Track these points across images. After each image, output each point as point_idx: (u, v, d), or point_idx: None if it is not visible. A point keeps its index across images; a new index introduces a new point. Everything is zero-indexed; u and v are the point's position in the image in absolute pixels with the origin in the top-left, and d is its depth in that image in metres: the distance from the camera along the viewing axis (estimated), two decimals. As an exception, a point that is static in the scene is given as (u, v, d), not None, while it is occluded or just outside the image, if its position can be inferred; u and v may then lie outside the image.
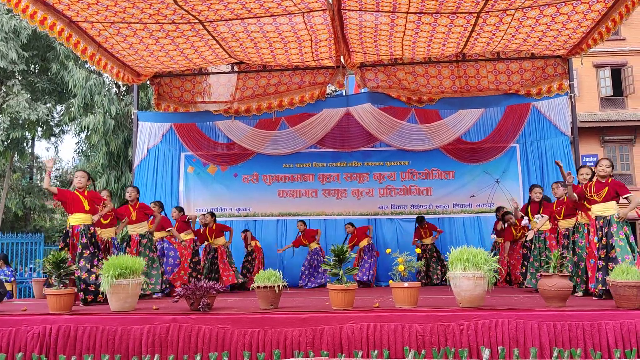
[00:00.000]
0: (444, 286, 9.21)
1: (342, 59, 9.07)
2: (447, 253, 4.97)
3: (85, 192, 6.41)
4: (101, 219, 6.92)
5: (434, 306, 4.90)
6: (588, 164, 19.27)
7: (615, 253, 5.53)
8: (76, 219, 6.26)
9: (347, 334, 4.36)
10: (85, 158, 20.00)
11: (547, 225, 7.27)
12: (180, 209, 9.12)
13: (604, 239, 5.71)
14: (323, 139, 10.87)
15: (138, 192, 7.75)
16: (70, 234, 6.26)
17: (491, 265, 4.73)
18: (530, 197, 7.61)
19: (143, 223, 7.56)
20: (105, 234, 7.17)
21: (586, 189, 5.98)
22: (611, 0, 7.18)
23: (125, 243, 7.68)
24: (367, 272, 9.92)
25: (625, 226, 5.69)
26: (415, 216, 10.47)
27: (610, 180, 5.84)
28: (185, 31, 7.72)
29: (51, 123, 19.50)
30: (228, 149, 11.04)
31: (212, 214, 9.33)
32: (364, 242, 10.14)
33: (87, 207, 6.30)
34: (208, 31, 7.73)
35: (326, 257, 5.23)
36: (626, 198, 5.73)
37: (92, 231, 6.32)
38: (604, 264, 5.62)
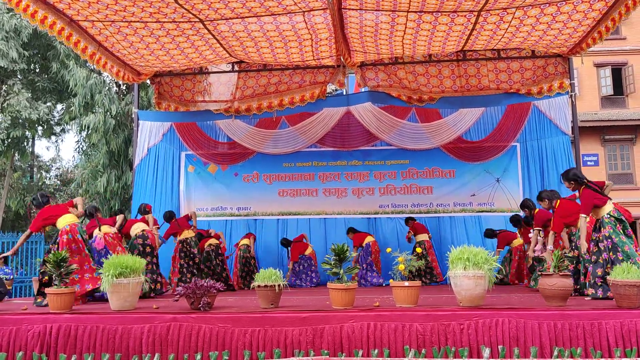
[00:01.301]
0: (436, 285, 9.25)
1: (342, 58, 9.06)
2: (448, 252, 4.97)
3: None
4: None
5: (434, 305, 4.90)
6: (588, 163, 19.18)
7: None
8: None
9: (347, 333, 4.36)
10: (86, 157, 19.99)
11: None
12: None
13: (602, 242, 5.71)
14: (323, 138, 10.86)
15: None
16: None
17: (491, 264, 4.73)
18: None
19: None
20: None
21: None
22: (612, -1, 7.19)
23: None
24: (377, 274, 9.79)
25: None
26: (415, 215, 10.45)
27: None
28: (185, 30, 7.71)
29: (51, 122, 19.51)
30: (228, 148, 11.03)
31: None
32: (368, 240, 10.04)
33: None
34: (208, 30, 7.73)
35: (327, 256, 5.23)
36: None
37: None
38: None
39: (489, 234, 9.57)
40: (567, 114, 10.05)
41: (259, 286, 5.02)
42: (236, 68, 10.38)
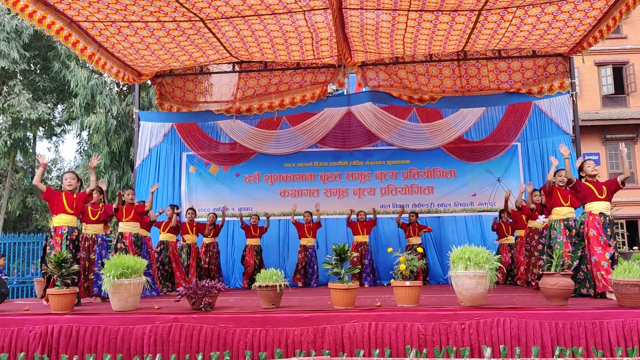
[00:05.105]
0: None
1: (342, 58, 9.06)
2: (449, 252, 4.97)
3: (75, 194, 6.31)
4: (90, 215, 6.95)
5: (436, 305, 4.89)
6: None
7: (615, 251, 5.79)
8: (60, 220, 6.15)
9: (348, 333, 4.35)
10: (87, 158, 20.02)
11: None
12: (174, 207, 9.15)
13: (611, 238, 5.85)
14: (324, 138, 10.86)
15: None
16: (53, 235, 6.13)
17: (493, 264, 4.73)
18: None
19: (136, 223, 7.64)
20: (90, 230, 7.09)
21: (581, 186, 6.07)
22: (613, -2, 7.19)
23: (116, 241, 7.58)
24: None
25: None
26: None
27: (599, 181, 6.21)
28: (186, 29, 7.72)
29: (52, 123, 19.54)
30: (230, 148, 11.03)
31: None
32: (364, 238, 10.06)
33: (71, 210, 6.19)
34: (209, 29, 7.74)
35: (328, 255, 5.23)
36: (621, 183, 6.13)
37: (75, 234, 6.22)
38: (610, 262, 5.69)
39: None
40: (568, 113, 10.04)
41: (260, 286, 5.02)
42: (237, 68, 10.38)
